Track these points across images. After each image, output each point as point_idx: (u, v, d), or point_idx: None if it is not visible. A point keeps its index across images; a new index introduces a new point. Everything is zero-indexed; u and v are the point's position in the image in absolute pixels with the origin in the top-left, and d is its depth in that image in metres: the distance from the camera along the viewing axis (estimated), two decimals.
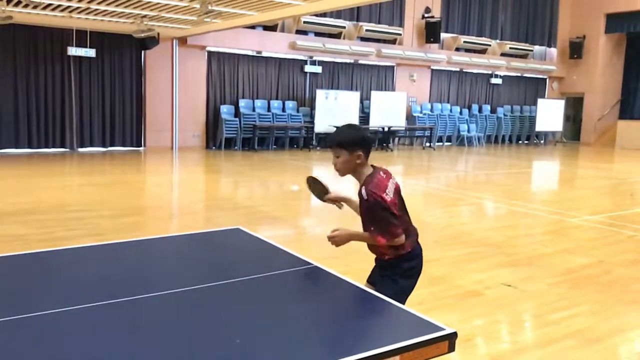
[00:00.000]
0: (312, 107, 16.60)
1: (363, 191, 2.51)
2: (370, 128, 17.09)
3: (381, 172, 2.59)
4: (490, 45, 20.54)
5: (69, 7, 11.03)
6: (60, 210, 7.06)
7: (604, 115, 22.30)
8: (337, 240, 2.58)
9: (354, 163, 2.54)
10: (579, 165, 15.96)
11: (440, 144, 19.68)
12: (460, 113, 20.26)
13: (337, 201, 2.83)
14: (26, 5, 10.68)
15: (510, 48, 21.04)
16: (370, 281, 2.74)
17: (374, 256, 2.75)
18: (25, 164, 11.61)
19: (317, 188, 2.91)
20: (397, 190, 2.61)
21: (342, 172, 2.59)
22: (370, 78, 18.28)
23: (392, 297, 2.37)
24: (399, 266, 2.60)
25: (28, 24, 12.60)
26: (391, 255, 2.59)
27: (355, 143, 2.52)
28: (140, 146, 14.82)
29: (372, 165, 2.61)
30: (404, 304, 2.52)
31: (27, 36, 12.95)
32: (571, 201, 9.48)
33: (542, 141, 22.39)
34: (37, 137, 13.39)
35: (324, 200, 2.88)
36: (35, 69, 13.19)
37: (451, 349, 1.89)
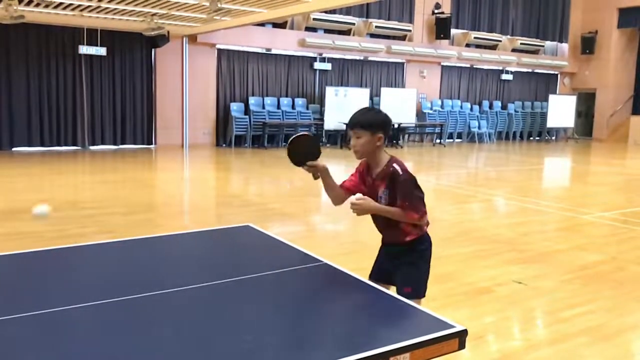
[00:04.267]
0: (322, 104, 16.59)
1: (397, 167, 2.53)
2: None
3: (398, 158, 2.63)
4: (501, 41, 20.40)
5: (80, 6, 11.09)
6: (73, 208, 7.12)
7: (616, 111, 22.08)
8: (360, 208, 2.53)
9: (374, 145, 2.55)
10: (591, 162, 15.82)
11: (451, 140, 19.59)
12: (471, 109, 20.15)
13: (317, 170, 2.63)
14: (38, 5, 10.76)
15: (521, 44, 20.88)
16: (378, 277, 2.68)
17: None
18: (38, 162, 11.71)
19: (307, 148, 2.63)
20: None
21: (360, 154, 2.59)
22: (380, 75, 18.23)
23: (419, 284, 2.49)
24: (417, 249, 2.62)
25: (40, 23, 12.69)
26: (414, 235, 2.60)
27: (377, 125, 2.54)
28: (151, 144, 14.89)
29: (387, 153, 2.63)
30: (425, 291, 2.59)
31: (39, 35, 13.05)
32: (583, 197, 9.40)
33: (553, 137, 22.22)
34: (50, 135, 13.50)
35: (301, 164, 2.62)
36: (47, 68, 13.29)
37: (461, 346, 1.88)
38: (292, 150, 2.63)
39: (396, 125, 17.27)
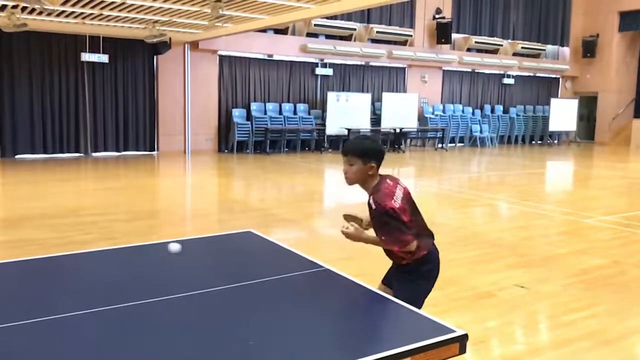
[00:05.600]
0: (324, 110, 16.62)
1: (371, 200, 2.53)
2: (382, 130, 17.09)
3: (388, 180, 2.60)
4: (502, 45, 20.43)
5: (82, 13, 11.15)
6: (76, 215, 7.14)
7: (618, 115, 22.06)
8: (350, 237, 2.61)
9: (365, 174, 2.57)
10: (594, 165, 15.81)
11: (453, 145, 19.59)
12: (473, 114, 20.15)
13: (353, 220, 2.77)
14: (40, 13, 10.82)
15: (523, 48, 20.90)
16: (387, 283, 2.75)
17: (385, 258, 2.75)
18: (41, 169, 11.75)
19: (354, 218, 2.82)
20: (407, 195, 2.62)
21: (351, 181, 2.61)
22: (381, 80, 18.26)
23: (410, 299, 2.40)
24: (417, 270, 2.63)
25: (42, 30, 12.76)
26: (409, 260, 2.61)
27: (371, 155, 2.55)
28: (154, 150, 14.93)
29: (379, 174, 2.62)
30: (421, 305, 2.55)
31: (42, 43, 13.12)
32: (585, 201, 9.39)
33: (555, 141, 22.21)
34: (52, 142, 13.55)
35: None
36: (50, 75, 13.35)
37: (462, 350, 1.89)
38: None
39: (398, 130, 17.29)
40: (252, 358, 1.77)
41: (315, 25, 16.01)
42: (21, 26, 11.08)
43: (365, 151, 2.55)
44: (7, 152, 13.00)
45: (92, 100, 13.91)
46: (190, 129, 15.23)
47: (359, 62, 17.64)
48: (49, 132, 13.47)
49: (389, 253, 2.67)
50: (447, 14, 18.75)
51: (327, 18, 15.50)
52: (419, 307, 2.53)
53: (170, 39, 13.71)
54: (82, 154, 13.91)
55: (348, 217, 2.77)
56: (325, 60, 16.99)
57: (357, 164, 2.55)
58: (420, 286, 2.63)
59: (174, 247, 2.44)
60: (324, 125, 16.36)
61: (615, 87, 21.99)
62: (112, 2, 10.02)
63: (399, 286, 2.64)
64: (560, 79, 22.97)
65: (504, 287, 4.60)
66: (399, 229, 2.49)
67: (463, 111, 19.92)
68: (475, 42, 19.66)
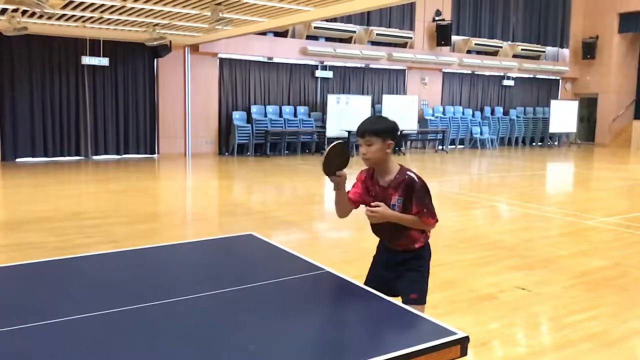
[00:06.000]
0: (324, 112, 16.63)
1: (413, 175, 2.56)
2: None
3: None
4: (501, 47, 20.45)
5: (82, 17, 11.17)
6: (77, 218, 7.14)
7: (618, 116, 22.07)
8: (378, 216, 2.54)
9: (384, 152, 2.55)
10: (594, 167, 15.81)
11: (453, 146, 19.60)
12: (473, 115, 20.16)
13: (341, 182, 2.60)
14: (41, 16, 10.84)
15: (522, 49, 20.91)
16: (377, 288, 2.48)
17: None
18: (42, 172, 11.75)
19: (339, 157, 2.56)
20: None
21: (371, 161, 2.58)
22: (381, 82, 18.28)
23: (423, 289, 2.51)
24: (422, 255, 2.66)
25: (43, 34, 12.79)
26: (422, 242, 2.65)
27: (388, 132, 2.56)
28: (154, 153, 14.94)
29: None
30: (426, 297, 2.61)
31: (42, 46, 13.14)
32: (586, 203, 9.39)
33: (556, 143, 22.20)
34: (53, 145, 13.56)
35: (330, 173, 2.56)
36: (50, 79, 13.37)
37: (463, 353, 1.89)
38: (328, 158, 2.53)
39: (398, 132, 17.27)
40: None
41: (315, 27, 16.02)
42: (22, 30, 11.11)
43: (384, 129, 2.56)
44: (8, 155, 13.01)
45: (93, 104, 13.92)
46: (191, 132, 15.24)
47: (359, 65, 17.65)
48: (50, 135, 13.48)
49: (403, 237, 2.61)
50: (447, 16, 18.77)
51: (327, 21, 15.49)
52: (426, 297, 2.61)
53: (170, 42, 13.72)
54: (82, 157, 13.92)
55: (337, 174, 2.56)
56: (325, 63, 17.01)
57: (377, 143, 2.53)
58: (425, 275, 2.66)
59: None
60: (324, 127, 16.37)
61: (615, 89, 22.00)
62: (112, 6, 10.04)
63: (410, 279, 2.61)
64: (560, 81, 22.99)
65: (505, 289, 4.60)
66: (432, 204, 2.58)
67: (463, 113, 19.93)
68: (475, 44, 19.67)
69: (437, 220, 2.60)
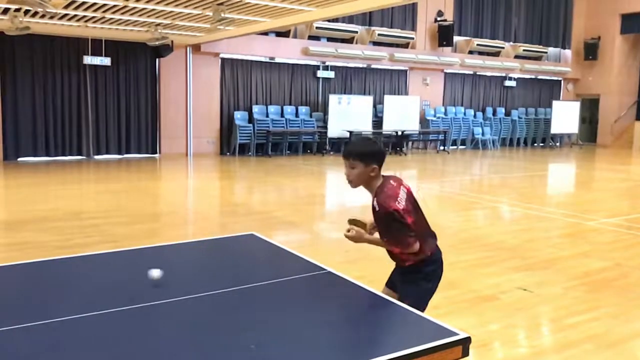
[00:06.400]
0: (325, 112, 16.63)
1: (375, 203, 2.53)
2: (383, 132, 17.09)
3: (391, 181, 2.60)
4: (503, 47, 20.43)
5: (84, 17, 11.18)
6: (77, 218, 7.15)
7: (620, 117, 22.04)
8: (353, 239, 2.61)
9: (367, 176, 2.55)
10: (596, 168, 15.79)
11: (455, 147, 19.59)
12: (475, 116, 20.15)
13: (354, 238, 2.66)
14: (43, 16, 10.85)
15: (524, 50, 20.90)
16: (390, 286, 2.75)
17: (388, 261, 2.75)
18: (43, 171, 11.76)
19: (359, 222, 2.75)
20: (410, 195, 2.61)
21: (354, 184, 2.60)
22: (383, 82, 18.27)
23: (414, 301, 2.40)
24: (420, 271, 2.63)
25: (45, 34, 12.80)
26: (412, 262, 2.61)
27: (371, 156, 2.55)
28: (156, 153, 14.95)
29: (382, 175, 2.62)
30: (425, 308, 2.55)
31: (44, 46, 13.15)
32: (588, 204, 9.38)
33: (557, 143, 22.18)
34: (54, 145, 13.58)
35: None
36: (52, 78, 13.38)
37: (465, 353, 1.88)
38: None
39: (400, 133, 17.29)
40: None
41: (316, 28, 16.02)
42: (24, 29, 11.12)
43: (366, 153, 2.55)
44: (10, 154, 13.03)
45: (95, 103, 13.93)
46: (192, 132, 15.25)
47: (360, 65, 17.65)
48: (51, 135, 13.49)
49: (392, 255, 2.68)
50: (449, 16, 18.76)
51: (329, 21, 15.50)
52: (424, 308, 2.54)
53: (172, 41, 13.74)
54: (84, 157, 13.93)
55: (353, 222, 2.75)
56: (327, 63, 17.01)
57: (359, 167, 2.54)
58: (425, 287, 2.63)
59: (155, 274, 2.39)
60: (325, 127, 16.37)
61: (617, 90, 21.97)
62: (115, 6, 10.05)
63: (403, 288, 2.64)
64: (562, 82, 22.96)
65: (506, 289, 4.59)
66: (401, 231, 2.50)
67: (465, 114, 19.92)
68: (477, 44, 19.66)
69: (404, 248, 2.53)
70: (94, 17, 11.17)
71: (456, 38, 19.15)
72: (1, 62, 12.77)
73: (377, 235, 2.64)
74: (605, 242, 6.42)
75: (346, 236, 2.62)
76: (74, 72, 13.59)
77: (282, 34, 15.94)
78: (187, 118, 15.17)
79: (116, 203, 8.37)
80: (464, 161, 16.05)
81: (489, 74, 20.51)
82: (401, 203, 2.50)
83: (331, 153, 16.50)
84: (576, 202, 9.79)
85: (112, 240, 5.93)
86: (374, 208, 2.53)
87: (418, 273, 2.62)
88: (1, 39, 12.37)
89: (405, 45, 18.27)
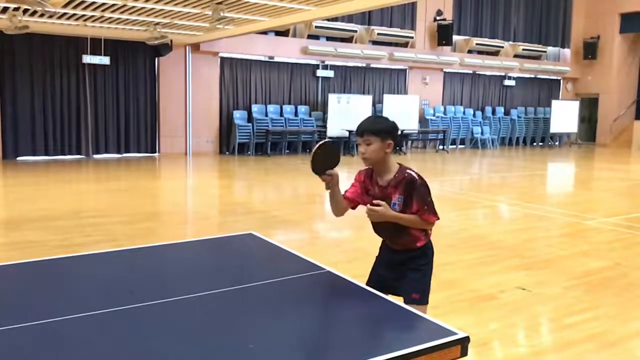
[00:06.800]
0: (325, 112, 16.63)
1: (412, 173, 2.55)
2: None
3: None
4: (503, 47, 20.43)
5: (83, 16, 11.17)
6: (77, 217, 7.14)
7: (619, 116, 22.05)
8: (377, 215, 2.51)
9: (384, 152, 2.54)
10: (595, 167, 15.79)
11: (454, 146, 19.59)
12: (474, 115, 20.16)
13: (333, 179, 2.56)
14: (42, 15, 10.84)
15: (524, 49, 20.90)
16: (378, 288, 2.49)
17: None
18: (42, 171, 11.75)
19: (328, 157, 2.55)
20: None
21: (370, 161, 2.57)
22: (382, 81, 18.27)
23: (427, 290, 2.52)
24: (425, 254, 2.64)
25: (44, 33, 12.79)
26: (424, 241, 2.63)
27: (387, 132, 2.55)
28: (155, 152, 14.94)
29: None
30: (428, 297, 2.60)
31: (43, 45, 13.14)
32: (587, 203, 9.38)
33: (557, 143, 22.19)
34: (54, 144, 13.57)
35: (320, 172, 2.54)
36: (51, 77, 13.37)
37: (464, 353, 1.88)
38: (316, 157, 2.52)
39: (399, 132, 17.25)
40: None
41: (316, 27, 16.02)
42: (23, 28, 11.11)
43: (383, 129, 2.55)
44: (9, 154, 13.02)
45: (94, 102, 13.92)
46: (192, 131, 15.24)
47: (360, 64, 17.65)
48: (50, 134, 13.48)
49: (405, 237, 2.60)
50: (448, 15, 18.76)
51: (328, 20, 15.51)
52: (428, 298, 2.61)
53: (171, 41, 13.73)
54: (83, 156, 13.92)
55: (320, 161, 2.52)
56: (326, 62, 17.00)
57: (376, 143, 2.53)
58: (428, 273, 2.64)
59: None
60: (325, 127, 16.36)
61: (616, 89, 21.98)
62: (114, 5, 10.04)
63: (411, 281, 2.59)
64: (562, 81, 22.97)
65: (505, 289, 4.59)
66: (433, 202, 2.56)
67: (464, 113, 19.93)
68: (476, 43, 19.66)
69: (438, 218, 2.58)
70: (93, 16, 11.16)
71: (455, 37, 19.15)
72: (0, 61, 12.76)
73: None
74: (605, 241, 6.42)
75: (371, 212, 2.51)
76: (73, 71, 13.57)
77: (282, 33, 15.93)
78: (186, 117, 15.16)
79: (115, 202, 8.37)
80: (463, 160, 16.05)
81: (488, 73, 20.51)
82: None
83: None
84: (575, 201, 9.79)
85: (111, 240, 5.93)
86: (412, 180, 2.53)
87: (422, 258, 2.63)
88: (0, 38, 12.36)
89: (405, 45, 18.27)
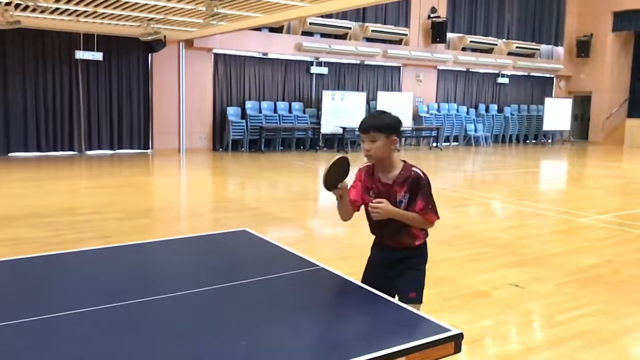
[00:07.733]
0: (319, 108, 16.61)
1: (418, 171, 2.52)
2: None
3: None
4: (496, 44, 20.47)
5: (76, 11, 11.09)
6: (69, 213, 7.11)
7: (612, 114, 22.17)
8: (380, 212, 2.47)
9: (389, 148, 2.50)
10: (588, 165, 15.87)
11: (447, 144, 19.63)
12: (467, 113, 20.21)
13: (343, 194, 2.58)
14: (34, 10, 10.76)
15: (517, 47, 20.96)
16: (377, 285, 2.46)
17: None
18: (34, 167, 11.69)
19: (340, 171, 2.54)
20: None
21: (376, 158, 2.51)
22: (376, 79, 18.27)
23: (422, 288, 2.52)
24: (422, 253, 2.63)
25: (36, 28, 12.70)
26: (422, 239, 2.61)
27: (393, 128, 2.50)
28: (148, 148, 14.88)
29: None
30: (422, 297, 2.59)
31: (35, 40, 13.05)
32: (580, 201, 9.42)
33: (549, 140, 22.29)
34: (46, 140, 13.49)
35: (331, 188, 2.55)
36: (44, 73, 13.28)
37: (457, 350, 1.88)
38: (329, 175, 2.51)
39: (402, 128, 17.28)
40: (245, 358, 1.76)
41: (310, 23, 15.99)
42: (14, 23, 11.00)
43: (388, 125, 2.49)
44: (1, 150, 12.93)
45: (87, 98, 13.85)
46: (185, 128, 15.19)
47: (354, 61, 17.64)
48: (43, 130, 13.40)
49: (404, 235, 2.57)
50: (442, 13, 18.77)
51: (322, 17, 15.47)
52: (422, 298, 2.59)
53: (164, 37, 13.65)
54: (76, 152, 13.85)
55: (331, 178, 2.54)
56: (321, 59, 16.98)
57: (381, 139, 2.47)
58: (423, 273, 2.62)
59: None
60: (319, 124, 16.35)
61: (609, 87, 22.09)
62: (107, 0, 9.97)
63: (406, 281, 2.56)
64: (555, 79, 23.05)
65: (498, 286, 4.61)
66: (434, 201, 2.55)
67: (458, 110, 19.97)
68: (470, 41, 19.69)
69: (438, 218, 2.57)
70: (85, 11, 11.08)
71: (449, 35, 19.17)
72: None
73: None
74: (597, 238, 6.46)
75: (373, 208, 2.48)
76: (65, 67, 13.49)
77: (275, 29, 15.89)
78: (179, 113, 15.11)
79: (108, 199, 8.33)
80: (457, 158, 16.09)
81: (481, 70, 20.56)
82: None
83: (325, 149, 16.49)
84: (568, 198, 9.84)
85: (104, 236, 5.90)
86: (417, 177, 2.51)
87: (419, 257, 2.61)
88: None
89: (399, 42, 18.27)
